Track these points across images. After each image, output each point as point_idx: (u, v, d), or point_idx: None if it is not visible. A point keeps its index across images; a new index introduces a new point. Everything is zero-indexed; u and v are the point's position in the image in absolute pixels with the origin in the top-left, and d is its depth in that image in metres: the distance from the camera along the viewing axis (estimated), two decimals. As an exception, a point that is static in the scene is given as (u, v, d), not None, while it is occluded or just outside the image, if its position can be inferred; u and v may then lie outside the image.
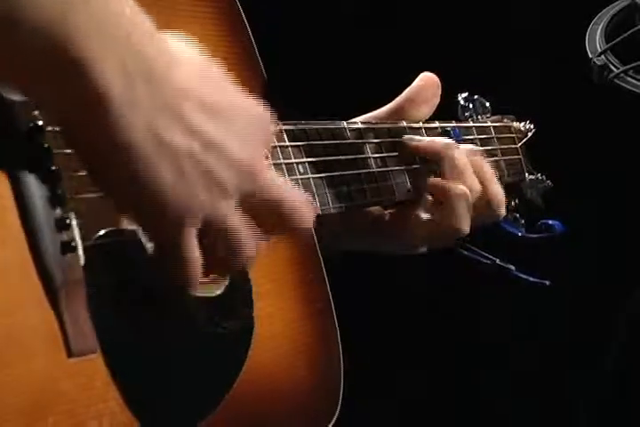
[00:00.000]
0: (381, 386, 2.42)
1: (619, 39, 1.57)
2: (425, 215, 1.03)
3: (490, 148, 1.14)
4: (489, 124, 1.22)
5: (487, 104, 1.24)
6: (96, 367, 0.58)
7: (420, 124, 1.10)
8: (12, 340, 0.51)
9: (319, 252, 0.88)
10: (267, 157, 0.63)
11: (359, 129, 0.97)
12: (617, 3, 1.65)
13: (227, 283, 0.71)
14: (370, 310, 2.37)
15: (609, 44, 1.57)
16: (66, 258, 0.56)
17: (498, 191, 1.09)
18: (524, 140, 1.30)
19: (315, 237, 0.86)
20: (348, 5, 2.55)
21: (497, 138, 1.21)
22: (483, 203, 1.07)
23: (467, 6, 2.53)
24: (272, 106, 0.88)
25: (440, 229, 1.04)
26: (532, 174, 1.30)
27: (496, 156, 1.17)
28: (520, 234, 1.28)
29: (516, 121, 1.31)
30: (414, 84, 1.12)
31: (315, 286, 0.90)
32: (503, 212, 1.13)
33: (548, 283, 1.28)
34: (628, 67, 1.46)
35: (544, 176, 1.32)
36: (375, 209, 1.05)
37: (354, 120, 1.06)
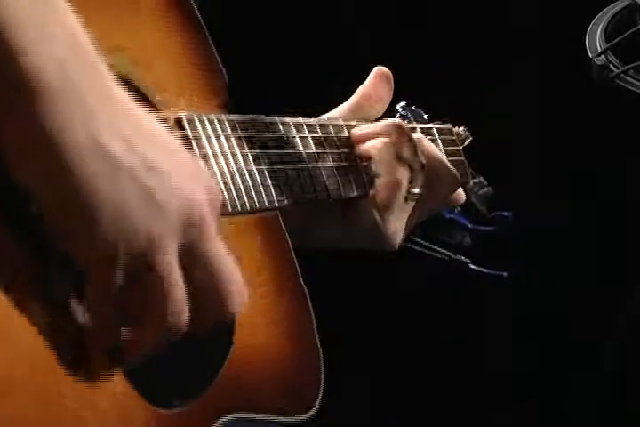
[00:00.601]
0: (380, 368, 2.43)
1: (619, 39, 1.57)
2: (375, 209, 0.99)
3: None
4: (432, 125, 1.22)
5: (424, 115, 1.25)
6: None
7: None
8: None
9: (286, 234, 0.88)
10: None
11: (296, 124, 0.94)
12: (617, 3, 1.66)
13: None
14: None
15: (609, 44, 1.58)
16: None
17: (454, 172, 1.05)
18: (466, 143, 1.31)
19: (281, 221, 0.87)
20: (348, 5, 2.56)
21: (440, 140, 1.22)
22: (439, 185, 1.03)
23: (466, 5, 2.54)
24: (236, 110, 0.86)
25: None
26: (475, 178, 1.30)
27: None
28: (471, 226, 1.27)
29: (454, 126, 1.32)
30: (370, 80, 1.07)
31: (284, 267, 0.90)
32: (463, 196, 1.11)
33: (505, 275, 1.27)
34: (627, 67, 1.47)
35: (485, 180, 1.32)
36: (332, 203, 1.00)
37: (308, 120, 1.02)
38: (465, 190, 1.19)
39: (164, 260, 0.47)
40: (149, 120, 0.50)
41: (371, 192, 1.01)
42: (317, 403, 0.90)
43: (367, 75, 1.17)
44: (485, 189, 1.29)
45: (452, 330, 2.51)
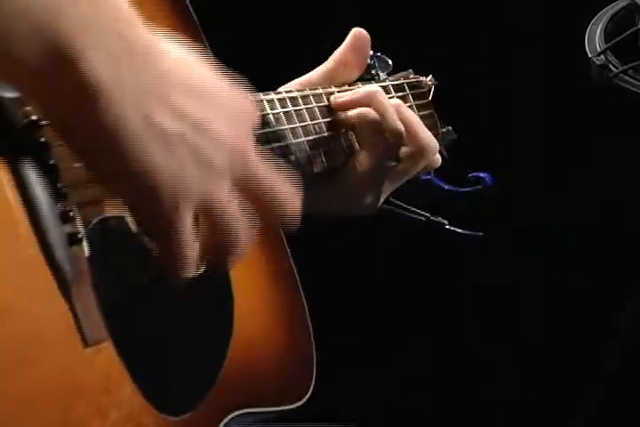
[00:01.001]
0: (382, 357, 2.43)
1: (618, 39, 1.57)
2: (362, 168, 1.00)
3: (407, 104, 1.14)
4: (403, 80, 1.23)
5: (389, 61, 1.24)
6: (109, 356, 0.60)
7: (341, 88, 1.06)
8: (36, 335, 0.53)
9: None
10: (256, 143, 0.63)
11: (280, 99, 0.94)
12: (616, 3, 1.66)
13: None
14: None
15: (608, 44, 1.58)
16: (72, 250, 0.57)
17: (431, 137, 1.05)
18: (431, 93, 1.31)
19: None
20: (347, 3, 2.57)
21: (411, 94, 1.22)
22: (416, 151, 1.03)
23: (466, 3, 2.54)
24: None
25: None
26: (443, 127, 1.30)
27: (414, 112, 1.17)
28: (447, 187, 1.26)
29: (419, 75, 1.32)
30: (347, 43, 1.06)
31: (276, 254, 0.94)
32: (439, 158, 1.10)
33: (481, 234, 1.27)
34: (627, 66, 1.47)
35: (451, 128, 1.32)
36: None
37: (286, 86, 1.04)
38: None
39: (220, 203, 0.57)
40: (198, 72, 0.58)
41: (350, 160, 1.02)
42: (310, 391, 0.90)
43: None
44: (451, 137, 1.30)
45: (434, 294, 2.47)
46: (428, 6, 2.39)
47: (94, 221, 0.64)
